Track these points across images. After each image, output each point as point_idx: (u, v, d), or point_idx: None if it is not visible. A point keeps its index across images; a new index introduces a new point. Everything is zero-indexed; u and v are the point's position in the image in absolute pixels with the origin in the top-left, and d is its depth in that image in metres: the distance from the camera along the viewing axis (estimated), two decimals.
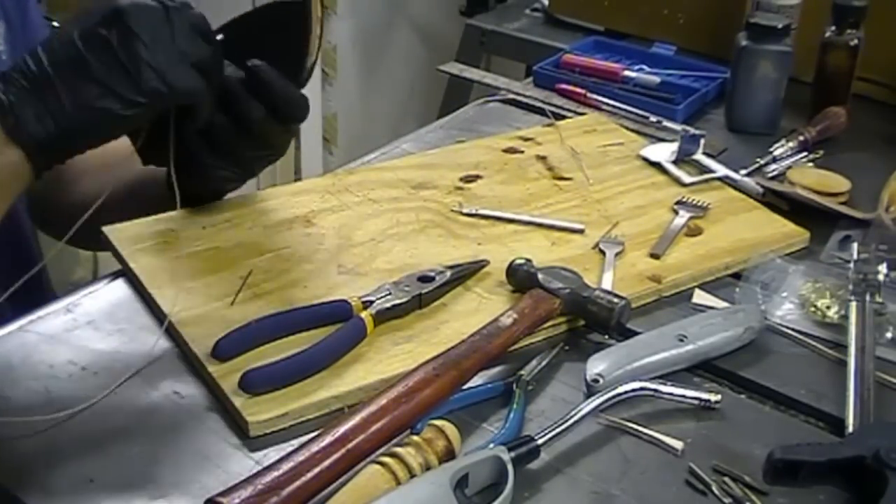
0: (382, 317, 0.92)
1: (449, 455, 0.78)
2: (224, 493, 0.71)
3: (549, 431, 0.79)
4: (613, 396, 0.84)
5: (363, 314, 0.91)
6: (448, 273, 0.98)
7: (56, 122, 0.84)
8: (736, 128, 1.39)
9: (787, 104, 1.38)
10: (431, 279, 0.97)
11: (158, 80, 0.85)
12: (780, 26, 1.33)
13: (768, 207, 1.16)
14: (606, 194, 1.17)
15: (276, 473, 0.73)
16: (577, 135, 1.31)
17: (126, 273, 0.99)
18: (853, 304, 0.97)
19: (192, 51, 0.87)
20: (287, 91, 0.96)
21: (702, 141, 1.27)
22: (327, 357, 0.87)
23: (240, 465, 0.79)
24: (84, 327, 0.93)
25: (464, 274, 0.99)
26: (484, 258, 1.02)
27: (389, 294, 0.94)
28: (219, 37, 0.93)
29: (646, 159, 1.25)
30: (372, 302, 0.93)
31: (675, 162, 1.24)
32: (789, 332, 0.98)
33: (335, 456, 0.75)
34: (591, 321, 0.95)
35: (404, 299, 0.94)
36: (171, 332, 0.91)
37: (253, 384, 0.83)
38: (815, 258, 1.09)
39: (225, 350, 0.87)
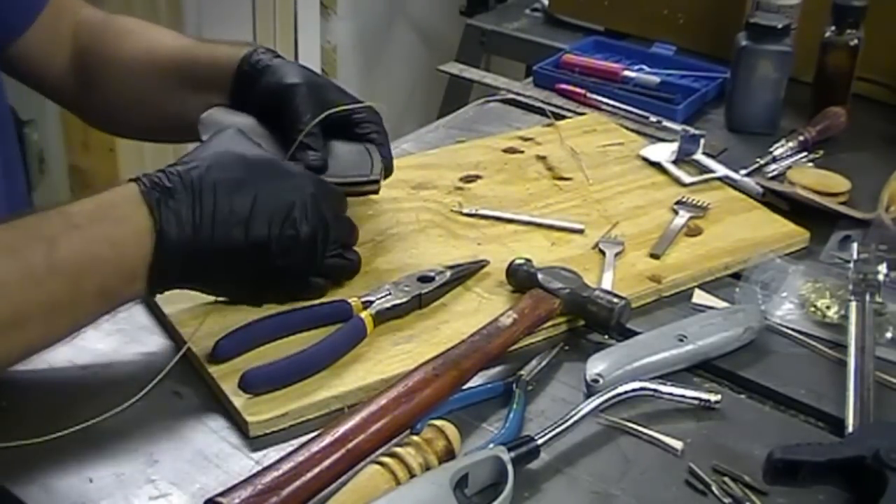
0: (382, 317, 0.92)
1: (449, 455, 0.78)
2: (224, 493, 0.71)
3: (549, 431, 0.79)
4: (613, 396, 0.84)
5: (363, 314, 0.91)
6: (448, 273, 0.98)
7: (196, 280, 0.89)
8: (736, 128, 1.39)
9: (787, 104, 1.38)
10: (431, 279, 0.97)
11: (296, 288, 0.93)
12: (780, 26, 1.33)
13: (768, 207, 1.16)
14: (606, 194, 1.17)
15: (276, 473, 0.73)
16: (577, 135, 1.31)
17: None
18: (853, 304, 0.97)
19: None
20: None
21: (702, 141, 1.27)
22: (327, 357, 0.87)
23: (240, 465, 0.79)
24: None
25: (464, 274, 0.99)
26: (484, 258, 1.02)
27: (389, 294, 0.94)
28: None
29: (646, 159, 1.25)
30: (372, 302, 0.93)
31: (675, 162, 1.24)
32: (789, 332, 0.98)
33: (335, 456, 0.75)
34: (591, 321, 0.95)
35: (404, 299, 0.94)
36: (171, 331, 0.91)
37: (253, 384, 0.83)
38: (815, 258, 1.09)
39: (225, 350, 0.87)
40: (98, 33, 1.16)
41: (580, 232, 1.09)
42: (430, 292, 0.96)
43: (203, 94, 1.06)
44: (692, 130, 1.33)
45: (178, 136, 1.13)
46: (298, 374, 0.85)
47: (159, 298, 0.93)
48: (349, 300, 0.93)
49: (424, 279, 0.97)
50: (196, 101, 1.05)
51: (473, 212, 1.11)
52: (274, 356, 0.86)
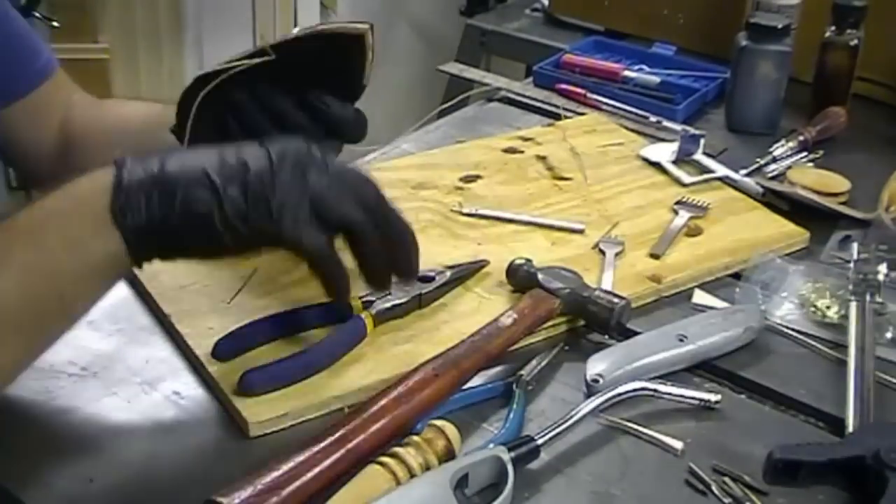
0: (382, 317, 0.92)
1: (449, 455, 0.78)
2: (224, 493, 0.71)
3: (549, 431, 0.79)
4: (613, 396, 0.84)
5: (363, 314, 0.91)
6: (448, 273, 0.98)
7: (161, 216, 0.77)
8: (736, 128, 1.39)
9: (787, 104, 1.38)
10: (431, 279, 0.97)
11: (273, 225, 0.79)
12: (780, 26, 1.33)
13: (768, 207, 1.16)
14: (606, 194, 1.17)
15: (276, 473, 0.73)
16: (577, 135, 1.31)
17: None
18: (853, 304, 0.97)
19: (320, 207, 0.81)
20: (345, 114, 0.97)
21: (702, 141, 1.27)
22: (327, 357, 0.87)
23: (240, 465, 0.79)
24: (84, 327, 0.92)
25: (464, 274, 0.99)
26: (484, 258, 1.02)
27: (389, 294, 0.94)
28: (268, 57, 0.92)
29: (646, 159, 1.25)
30: (372, 302, 0.93)
31: (675, 162, 1.24)
32: (789, 332, 0.98)
33: (335, 456, 0.75)
34: (591, 321, 0.95)
35: (404, 299, 0.94)
36: (171, 331, 0.91)
37: (253, 384, 0.83)
38: (815, 258, 1.09)
39: (225, 350, 0.87)
40: (87, 119, 1.16)
41: (580, 232, 1.09)
42: (430, 292, 0.96)
43: None
44: (692, 130, 1.33)
45: None
46: (298, 374, 0.85)
47: (159, 298, 0.93)
48: (349, 300, 0.93)
49: (424, 279, 0.96)
50: None
51: (473, 212, 1.11)
52: (274, 356, 0.86)
